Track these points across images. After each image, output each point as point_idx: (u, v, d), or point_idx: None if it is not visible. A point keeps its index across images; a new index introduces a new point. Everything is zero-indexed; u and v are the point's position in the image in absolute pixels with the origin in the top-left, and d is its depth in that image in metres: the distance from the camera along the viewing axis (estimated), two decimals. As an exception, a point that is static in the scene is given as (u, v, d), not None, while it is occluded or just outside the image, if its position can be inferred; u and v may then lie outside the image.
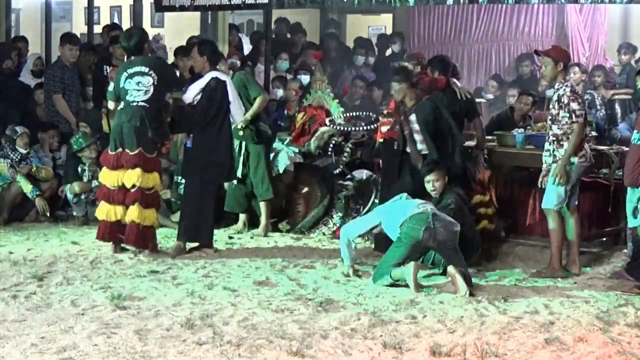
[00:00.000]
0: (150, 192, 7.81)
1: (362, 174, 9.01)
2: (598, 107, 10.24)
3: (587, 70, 10.69)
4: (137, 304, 6.35)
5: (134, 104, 7.79)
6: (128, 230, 7.80)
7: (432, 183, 7.56)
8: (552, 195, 7.43)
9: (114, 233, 7.89)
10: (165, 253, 7.95)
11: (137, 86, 7.79)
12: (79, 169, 9.37)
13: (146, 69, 7.82)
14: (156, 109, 7.84)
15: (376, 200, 8.48)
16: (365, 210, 8.74)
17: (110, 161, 7.82)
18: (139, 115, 7.72)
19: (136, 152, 7.71)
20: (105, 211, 7.87)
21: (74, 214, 9.40)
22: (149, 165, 7.76)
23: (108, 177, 7.85)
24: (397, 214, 7.12)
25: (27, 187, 9.34)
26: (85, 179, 9.35)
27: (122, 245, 7.96)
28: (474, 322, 6.09)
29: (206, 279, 7.17)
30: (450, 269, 6.82)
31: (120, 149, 7.78)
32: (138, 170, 7.71)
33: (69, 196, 9.35)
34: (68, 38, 10.41)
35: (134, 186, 7.75)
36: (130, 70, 7.86)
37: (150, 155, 7.77)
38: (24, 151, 9.51)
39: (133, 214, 7.74)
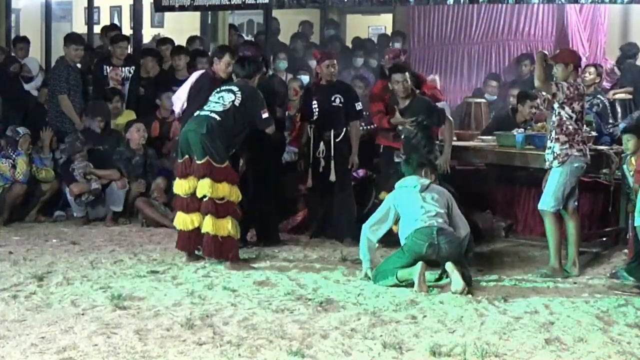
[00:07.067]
0: (222, 202, 7.49)
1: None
2: (609, 118, 10.06)
3: (602, 73, 10.50)
4: (137, 304, 6.35)
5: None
6: (204, 241, 7.54)
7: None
8: (548, 196, 7.42)
9: (191, 242, 7.67)
10: (246, 263, 7.64)
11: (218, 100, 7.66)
12: (70, 169, 9.36)
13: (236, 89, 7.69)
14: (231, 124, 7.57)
15: (376, 201, 8.48)
16: (366, 210, 8.72)
17: (179, 169, 7.64)
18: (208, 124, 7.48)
19: (203, 161, 7.44)
20: (181, 220, 7.63)
21: (75, 214, 9.41)
22: (218, 175, 7.47)
23: (179, 186, 7.61)
24: (407, 212, 7.15)
25: (22, 168, 9.28)
26: (78, 178, 9.33)
27: (198, 254, 7.72)
28: (474, 322, 6.09)
29: (206, 279, 7.17)
30: (449, 264, 6.82)
31: (187, 157, 7.56)
32: (207, 181, 7.44)
33: (69, 198, 9.35)
34: (73, 38, 10.36)
35: (204, 197, 7.48)
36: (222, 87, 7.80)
37: (219, 164, 7.47)
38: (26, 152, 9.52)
39: (207, 225, 7.47)
